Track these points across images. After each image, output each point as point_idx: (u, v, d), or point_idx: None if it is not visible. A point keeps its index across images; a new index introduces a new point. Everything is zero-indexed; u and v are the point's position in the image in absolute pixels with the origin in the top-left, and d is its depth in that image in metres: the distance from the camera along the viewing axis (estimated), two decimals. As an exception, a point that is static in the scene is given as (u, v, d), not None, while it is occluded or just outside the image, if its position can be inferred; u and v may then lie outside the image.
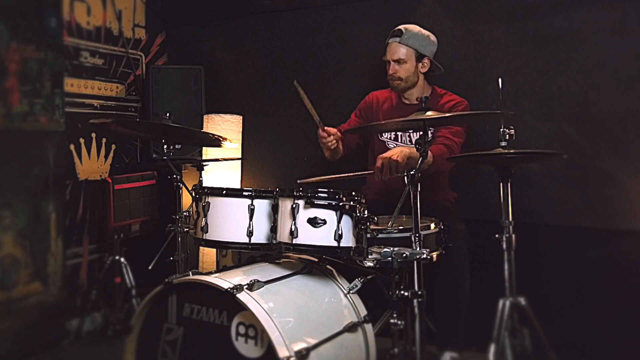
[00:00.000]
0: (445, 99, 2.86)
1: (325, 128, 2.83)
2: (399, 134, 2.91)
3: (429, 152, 2.66)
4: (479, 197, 3.02)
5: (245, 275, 2.16)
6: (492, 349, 2.03)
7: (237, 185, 3.60)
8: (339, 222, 2.12)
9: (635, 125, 2.73)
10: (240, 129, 3.63)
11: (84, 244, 3.46)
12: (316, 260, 2.37)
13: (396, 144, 2.90)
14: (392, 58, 2.84)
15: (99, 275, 3.41)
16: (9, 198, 2.99)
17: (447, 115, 2.19)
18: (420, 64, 2.86)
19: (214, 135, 2.76)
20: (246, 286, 2.02)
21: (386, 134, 2.95)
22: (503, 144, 2.16)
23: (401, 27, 2.85)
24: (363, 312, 2.26)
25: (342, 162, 3.04)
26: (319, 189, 2.17)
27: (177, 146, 2.77)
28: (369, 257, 2.15)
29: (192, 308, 2.09)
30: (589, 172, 2.82)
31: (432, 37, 2.89)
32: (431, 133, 2.80)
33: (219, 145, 2.82)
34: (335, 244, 2.12)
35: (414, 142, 2.80)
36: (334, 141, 2.85)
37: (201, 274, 2.17)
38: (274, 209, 2.22)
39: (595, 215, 2.81)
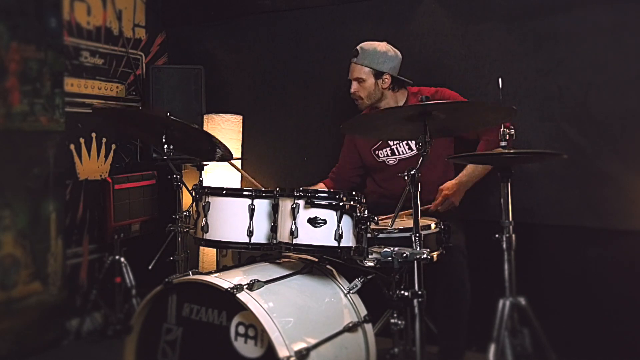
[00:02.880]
0: (425, 93, 2.83)
1: None
2: (394, 147, 2.89)
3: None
4: (479, 197, 3.02)
5: (245, 275, 2.16)
6: (492, 349, 2.03)
7: (237, 185, 3.60)
8: (339, 222, 2.12)
9: (635, 125, 2.73)
10: (240, 129, 3.63)
11: (84, 243, 3.46)
12: (316, 260, 2.37)
13: (396, 159, 2.88)
14: (351, 77, 2.87)
15: (99, 275, 3.41)
16: (9, 198, 2.99)
17: (449, 101, 2.18)
18: (380, 81, 2.83)
19: (215, 141, 2.69)
20: (246, 286, 2.02)
21: (381, 152, 2.92)
22: (503, 144, 2.16)
23: (359, 46, 2.85)
24: (363, 312, 2.26)
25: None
26: (319, 189, 2.17)
27: (177, 150, 2.76)
28: (369, 257, 2.15)
29: (192, 308, 2.09)
30: (589, 172, 2.81)
31: (392, 52, 2.85)
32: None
33: (214, 158, 2.77)
34: (335, 243, 2.12)
35: (414, 149, 2.83)
36: None
37: (201, 273, 2.17)
38: (274, 209, 2.22)
39: (595, 215, 2.81)
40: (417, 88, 2.91)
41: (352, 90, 2.87)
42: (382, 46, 2.85)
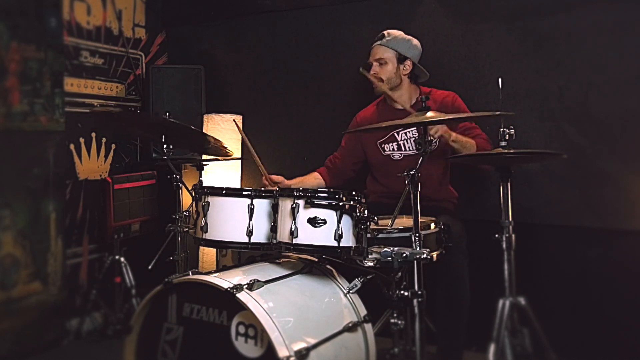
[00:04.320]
0: (435, 95, 2.86)
1: (271, 177, 2.78)
2: (401, 142, 2.89)
3: (474, 141, 2.71)
4: (479, 197, 3.02)
5: (245, 275, 2.16)
6: (492, 348, 2.03)
7: (237, 185, 3.60)
8: (339, 221, 2.11)
9: (635, 125, 2.73)
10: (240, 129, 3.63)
11: (84, 243, 3.46)
12: (316, 260, 2.37)
13: (402, 155, 2.89)
14: (374, 58, 2.89)
15: (99, 275, 3.41)
16: (9, 198, 2.99)
17: (450, 117, 2.18)
18: (402, 66, 2.87)
19: (214, 140, 2.72)
20: (246, 286, 2.02)
21: (387, 145, 2.92)
22: (503, 144, 2.16)
23: (385, 31, 2.90)
24: (363, 312, 2.26)
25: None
26: (319, 189, 2.17)
27: (176, 147, 2.77)
28: (369, 257, 2.15)
29: (192, 308, 2.09)
30: (589, 172, 2.81)
31: (415, 42, 2.91)
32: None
33: (216, 155, 2.79)
34: (335, 243, 2.11)
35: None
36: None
37: (201, 273, 2.17)
38: (274, 209, 2.22)
39: (595, 215, 2.81)
40: (429, 89, 2.93)
41: (372, 72, 2.88)
42: (406, 35, 2.91)
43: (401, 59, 2.87)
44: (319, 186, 3.02)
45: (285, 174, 3.59)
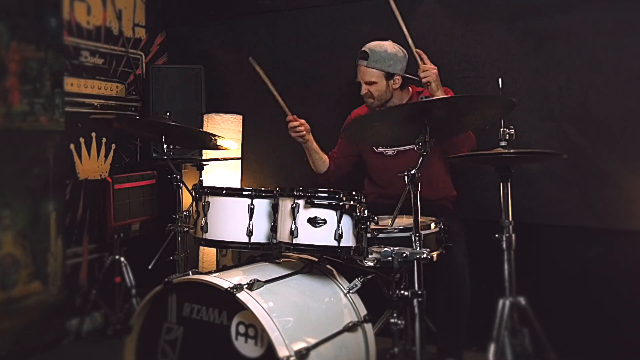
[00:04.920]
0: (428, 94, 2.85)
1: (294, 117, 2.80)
2: None
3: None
4: (479, 197, 3.02)
5: (245, 274, 2.16)
6: (492, 348, 2.03)
7: (237, 184, 3.60)
8: (339, 221, 2.12)
9: (635, 125, 2.73)
10: (240, 129, 3.63)
11: (84, 243, 3.46)
12: (316, 260, 2.37)
13: (395, 151, 2.89)
14: (362, 80, 2.86)
15: (99, 275, 3.41)
16: (9, 198, 2.99)
17: (449, 97, 2.17)
18: (391, 82, 2.84)
19: (213, 135, 2.75)
20: (246, 286, 2.02)
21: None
22: (503, 144, 2.16)
23: (367, 48, 2.83)
24: (363, 311, 2.26)
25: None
26: (319, 189, 2.17)
27: (177, 146, 2.77)
28: (369, 256, 2.15)
29: (192, 308, 2.09)
30: (589, 172, 2.81)
31: (400, 54, 2.85)
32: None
33: (217, 148, 2.81)
34: (335, 243, 2.12)
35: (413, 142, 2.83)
36: (303, 130, 2.88)
37: (201, 273, 2.17)
38: (274, 209, 2.23)
39: (595, 215, 2.81)
40: (421, 88, 2.91)
41: (362, 92, 2.86)
42: (390, 47, 2.84)
43: (389, 76, 2.83)
44: (324, 165, 3.01)
45: (285, 173, 3.62)
